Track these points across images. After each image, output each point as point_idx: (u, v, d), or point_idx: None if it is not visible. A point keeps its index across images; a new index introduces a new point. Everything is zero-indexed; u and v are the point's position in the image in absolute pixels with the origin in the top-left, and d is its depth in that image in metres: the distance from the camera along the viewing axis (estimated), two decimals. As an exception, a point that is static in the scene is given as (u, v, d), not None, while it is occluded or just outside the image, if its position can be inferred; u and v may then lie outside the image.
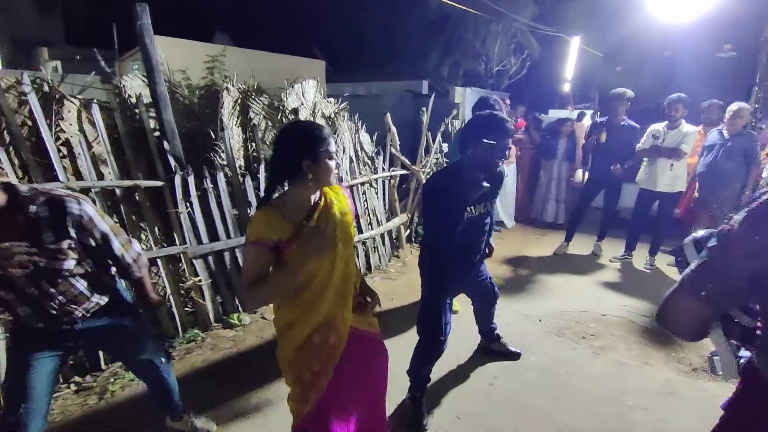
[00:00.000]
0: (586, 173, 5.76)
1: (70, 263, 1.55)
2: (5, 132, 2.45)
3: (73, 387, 2.50)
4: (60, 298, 1.57)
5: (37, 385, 1.58)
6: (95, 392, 2.47)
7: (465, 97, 7.10)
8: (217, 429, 2.20)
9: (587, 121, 6.24)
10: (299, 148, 1.43)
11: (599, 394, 2.54)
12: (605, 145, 4.62)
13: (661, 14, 7.01)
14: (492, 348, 2.91)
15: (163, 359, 1.97)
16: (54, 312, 1.58)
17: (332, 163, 1.48)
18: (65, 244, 1.52)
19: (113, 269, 1.78)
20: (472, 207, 2.17)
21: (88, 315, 1.67)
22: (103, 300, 1.70)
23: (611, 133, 4.55)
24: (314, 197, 1.53)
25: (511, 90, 12.21)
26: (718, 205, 4.35)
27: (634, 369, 2.81)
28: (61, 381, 2.50)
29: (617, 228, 5.16)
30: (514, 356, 2.89)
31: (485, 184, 2.09)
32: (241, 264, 3.37)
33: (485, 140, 2.02)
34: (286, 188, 1.54)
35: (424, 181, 5.07)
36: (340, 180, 3.88)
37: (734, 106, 4.17)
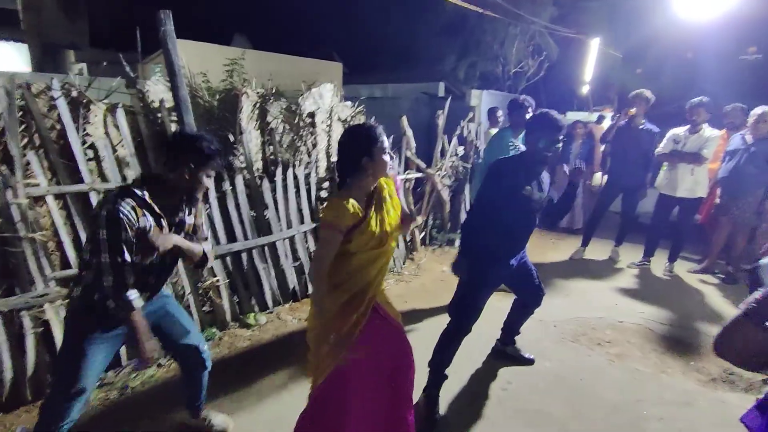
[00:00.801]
0: (605, 177, 5.69)
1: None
2: (35, 135, 2.54)
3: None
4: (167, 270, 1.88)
5: (90, 373, 1.69)
6: (116, 387, 2.54)
7: (482, 100, 7.08)
8: (233, 425, 2.25)
9: (608, 123, 6.16)
10: (358, 149, 1.68)
11: (614, 403, 2.51)
12: (624, 149, 4.55)
13: (684, 14, 6.88)
14: (506, 352, 2.91)
15: (205, 345, 2.06)
16: (148, 283, 1.80)
17: (386, 158, 1.71)
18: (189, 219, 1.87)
19: None
20: (533, 189, 2.29)
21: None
22: (167, 289, 1.95)
23: (629, 137, 4.48)
24: (373, 186, 1.77)
25: (528, 92, 12.08)
26: (739, 211, 4.25)
27: (650, 377, 2.77)
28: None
29: (636, 233, 5.09)
30: (528, 362, 2.88)
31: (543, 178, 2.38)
32: (257, 265, 3.43)
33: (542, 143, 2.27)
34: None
35: (439, 184, 5.09)
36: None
37: (758, 110, 4.08)
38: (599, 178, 6.40)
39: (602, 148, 6.26)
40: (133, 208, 1.62)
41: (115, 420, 2.29)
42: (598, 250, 5.16)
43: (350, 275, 1.73)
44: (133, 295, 1.64)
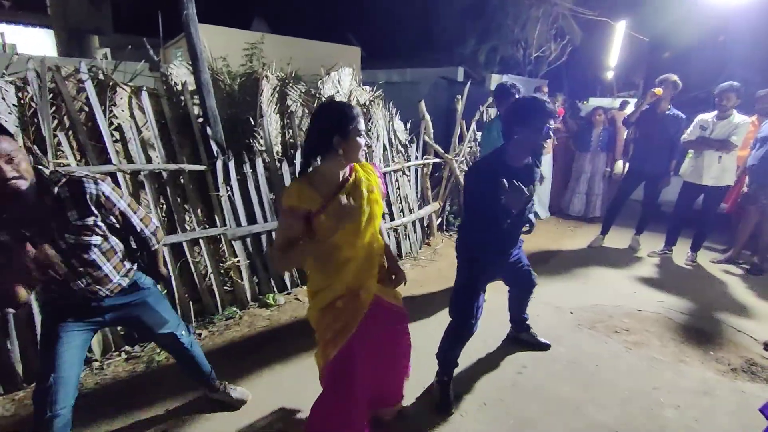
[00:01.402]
0: (627, 164, 5.57)
1: (97, 239, 1.66)
2: (65, 117, 2.63)
3: (123, 355, 2.70)
4: (86, 278, 1.67)
5: (66, 357, 1.65)
6: (143, 361, 2.66)
7: (502, 85, 6.96)
8: (251, 398, 2.33)
9: (630, 110, 6.01)
10: (330, 125, 1.55)
11: (629, 390, 2.51)
12: (647, 135, 4.44)
13: (717, -4, 6.60)
14: (521, 338, 2.92)
15: (183, 332, 2.05)
16: (80, 291, 1.67)
17: (361, 141, 1.58)
18: (90, 220, 1.62)
19: (133, 244, 1.88)
20: (519, 185, 2.09)
21: (112, 295, 1.77)
22: (125, 281, 1.80)
23: (654, 122, 4.37)
24: (344, 173, 1.65)
25: (550, 77, 11.85)
26: (768, 200, 4.12)
27: (667, 366, 2.75)
28: (113, 349, 2.71)
29: (657, 222, 4.99)
30: (543, 347, 2.88)
31: (535, 167, 2.20)
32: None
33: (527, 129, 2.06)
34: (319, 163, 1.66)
35: (457, 170, 5.06)
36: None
37: (793, 96, 3.92)
38: (621, 166, 6.28)
39: (624, 134, 6.12)
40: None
41: (142, 391, 2.40)
42: (617, 239, 5.08)
43: (327, 277, 1.71)
44: None
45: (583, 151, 6.04)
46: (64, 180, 1.59)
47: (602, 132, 5.90)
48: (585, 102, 8.04)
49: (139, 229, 1.81)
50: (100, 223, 1.67)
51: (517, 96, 3.09)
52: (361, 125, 1.59)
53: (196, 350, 2.15)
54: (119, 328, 2.73)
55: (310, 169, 1.67)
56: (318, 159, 1.64)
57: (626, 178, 4.82)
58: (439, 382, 2.41)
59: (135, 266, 1.88)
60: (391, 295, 1.89)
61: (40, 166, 1.62)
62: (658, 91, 4.22)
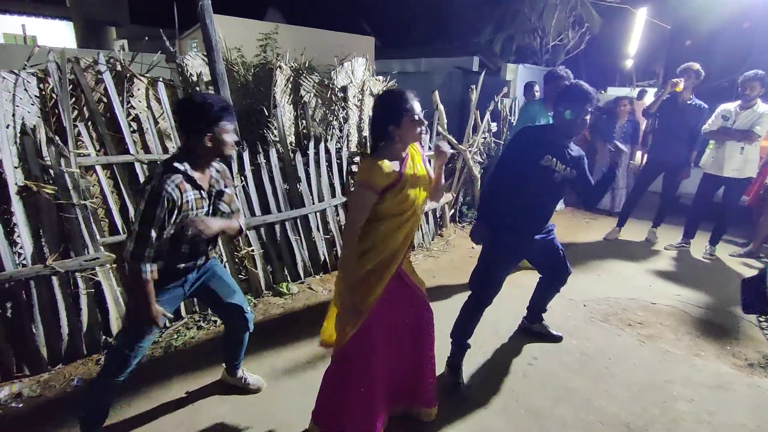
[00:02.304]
0: (645, 156, 5.45)
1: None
2: (84, 108, 2.68)
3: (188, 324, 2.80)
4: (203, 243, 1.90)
5: (152, 330, 1.87)
6: (161, 346, 2.73)
7: (517, 74, 6.87)
8: (266, 385, 2.38)
9: (650, 100, 5.86)
10: (384, 115, 1.73)
11: (642, 382, 2.49)
12: (667, 125, 4.34)
13: (743, -19, 6.35)
14: (533, 329, 2.92)
15: (248, 306, 2.19)
16: (200, 250, 1.90)
17: (414, 124, 1.72)
18: (228, 189, 1.95)
19: None
20: (556, 160, 2.24)
21: (200, 266, 1.97)
22: (211, 252, 2.02)
23: (675, 112, 4.27)
24: (403, 153, 1.79)
25: (567, 66, 11.57)
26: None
27: (682, 360, 2.72)
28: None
29: (675, 215, 4.90)
30: (555, 339, 2.88)
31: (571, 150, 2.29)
32: (290, 237, 3.53)
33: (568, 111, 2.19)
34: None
35: (471, 161, 5.03)
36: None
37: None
38: (639, 158, 6.15)
39: (644, 122, 5.98)
40: (177, 185, 1.67)
41: (159, 375, 2.47)
42: (634, 231, 5.01)
43: (376, 243, 1.78)
44: (147, 268, 1.68)
45: (607, 141, 5.90)
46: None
47: (626, 123, 5.74)
48: (602, 92, 7.85)
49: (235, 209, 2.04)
50: (230, 193, 1.96)
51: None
52: (415, 108, 1.72)
53: (247, 333, 2.24)
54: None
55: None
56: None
57: (645, 169, 4.73)
58: (450, 365, 2.45)
59: None
60: (418, 279, 1.99)
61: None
62: (679, 87, 4.13)
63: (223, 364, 2.35)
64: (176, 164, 1.72)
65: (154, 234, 1.65)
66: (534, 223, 2.39)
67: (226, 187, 1.95)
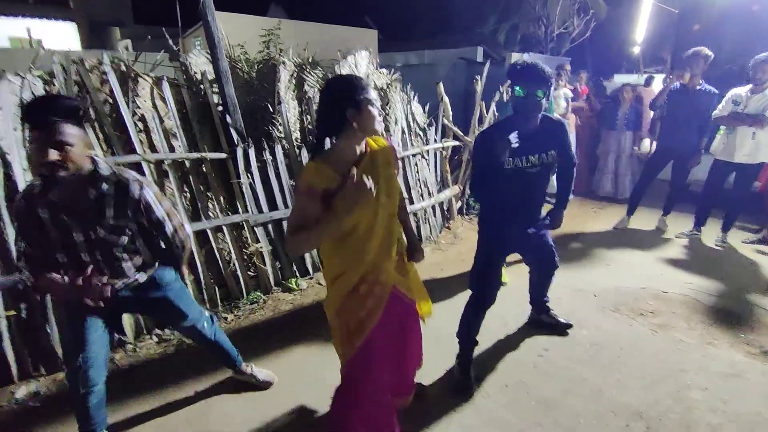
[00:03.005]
0: (654, 143, 5.39)
1: (124, 239, 1.71)
2: (91, 109, 2.70)
3: (155, 338, 2.81)
4: (106, 270, 1.69)
5: (92, 338, 1.72)
6: (173, 344, 2.76)
7: (522, 64, 6.78)
8: (277, 379, 2.40)
9: (657, 86, 5.78)
10: (341, 99, 1.49)
11: (655, 372, 2.47)
12: (677, 112, 4.28)
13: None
14: (542, 320, 2.90)
15: (205, 324, 2.10)
16: (96, 287, 1.64)
17: (374, 110, 1.52)
18: (123, 222, 1.67)
19: (162, 244, 1.89)
20: (516, 158, 2.16)
21: (127, 289, 1.79)
22: (143, 278, 1.82)
23: (684, 99, 4.20)
24: (360, 148, 1.59)
25: (573, 54, 11.45)
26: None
27: (695, 348, 2.69)
28: (145, 332, 2.82)
29: (685, 202, 4.83)
30: (564, 328, 2.85)
31: (512, 138, 2.11)
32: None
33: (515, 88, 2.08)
34: (334, 141, 1.60)
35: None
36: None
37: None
38: (647, 145, 6.08)
39: (652, 114, 5.91)
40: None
41: (172, 372, 2.50)
42: (643, 220, 4.95)
43: (346, 260, 1.65)
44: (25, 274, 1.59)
45: (610, 129, 5.87)
46: (114, 179, 1.63)
47: (629, 110, 5.71)
48: (606, 80, 7.75)
49: (170, 237, 1.82)
50: (131, 225, 1.71)
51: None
52: (372, 94, 1.52)
53: (221, 337, 2.20)
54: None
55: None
56: (332, 138, 1.60)
57: (654, 156, 4.67)
58: (459, 363, 2.43)
59: (156, 264, 1.88)
60: (405, 286, 1.82)
61: (99, 159, 1.63)
62: (685, 79, 4.08)
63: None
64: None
65: (16, 246, 1.63)
66: (519, 214, 2.35)
67: (148, 217, 1.76)
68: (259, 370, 2.39)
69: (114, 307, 1.81)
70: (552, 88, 2.13)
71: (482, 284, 2.40)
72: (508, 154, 2.13)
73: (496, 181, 2.20)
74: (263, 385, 2.35)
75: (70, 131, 1.48)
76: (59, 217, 1.57)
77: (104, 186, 1.61)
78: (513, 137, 2.09)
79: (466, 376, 2.38)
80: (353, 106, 1.49)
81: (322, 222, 1.51)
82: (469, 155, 5.09)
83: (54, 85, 2.57)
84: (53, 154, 1.43)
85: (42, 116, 1.43)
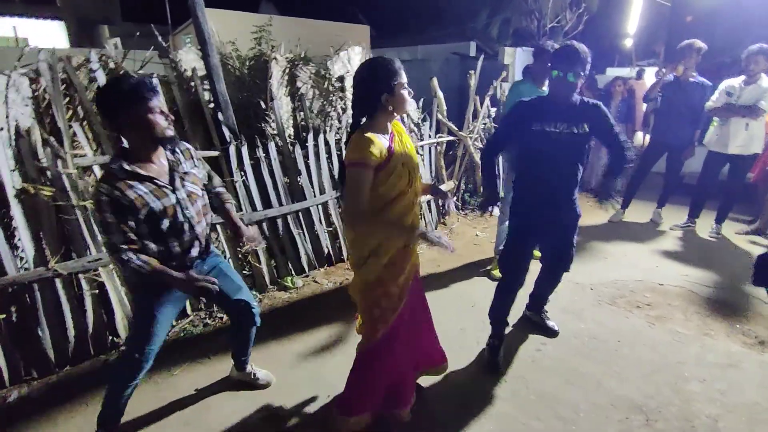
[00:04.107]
0: (647, 136, 5.40)
1: (201, 190, 1.86)
2: (79, 107, 2.65)
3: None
4: (193, 231, 1.82)
5: (160, 334, 1.84)
6: (167, 344, 2.71)
7: (515, 58, 6.77)
8: (275, 380, 2.37)
9: (649, 79, 5.78)
10: (377, 84, 1.60)
11: (653, 364, 2.48)
12: (670, 104, 4.28)
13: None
14: (531, 319, 2.87)
15: (254, 301, 2.16)
16: (188, 246, 1.82)
17: (406, 93, 1.64)
18: (195, 169, 1.84)
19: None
20: (543, 122, 2.21)
21: (200, 257, 1.91)
22: (205, 242, 1.93)
23: (678, 91, 4.20)
24: (390, 125, 1.71)
25: (565, 48, 11.44)
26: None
27: (692, 340, 2.70)
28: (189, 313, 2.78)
29: (679, 195, 4.85)
30: (552, 334, 2.77)
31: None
32: (292, 231, 3.51)
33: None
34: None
35: (471, 147, 4.98)
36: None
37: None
38: (640, 138, 6.09)
39: (644, 105, 5.91)
40: (114, 186, 1.57)
41: (168, 373, 2.46)
42: (638, 213, 4.97)
43: (385, 231, 1.74)
44: (131, 255, 1.60)
45: None
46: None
47: (620, 103, 5.72)
48: (599, 73, 7.75)
49: (220, 190, 2.00)
50: (198, 174, 1.85)
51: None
52: (403, 78, 1.63)
53: (254, 328, 2.22)
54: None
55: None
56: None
57: (648, 149, 4.68)
58: (489, 345, 2.52)
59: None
60: (417, 264, 1.95)
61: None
62: (678, 71, 4.10)
63: (231, 361, 2.34)
64: (111, 166, 1.63)
65: (118, 237, 1.59)
66: (545, 195, 2.33)
67: (195, 167, 1.86)
68: (258, 369, 2.37)
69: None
70: (587, 69, 2.19)
71: (509, 266, 2.48)
72: (535, 118, 2.22)
73: (525, 146, 2.30)
74: (261, 385, 2.33)
75: (161, 101, 1.67)
76: (151, 180, 1.67)
77: (180, 147, 1.82)
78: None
79: (495, 357, 2.47)
80: (388, 91, 1.60)
81: (398, 229, 1.72)
82: (464, 150, 5.08)
83: (40, 84, 2.51)
84: (165, 122, 1.64)
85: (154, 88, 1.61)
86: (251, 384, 2.32)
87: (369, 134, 1.60)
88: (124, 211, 1.59)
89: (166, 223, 1.71)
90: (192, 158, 1.87)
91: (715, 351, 2.59)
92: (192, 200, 1.79)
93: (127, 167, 1.61)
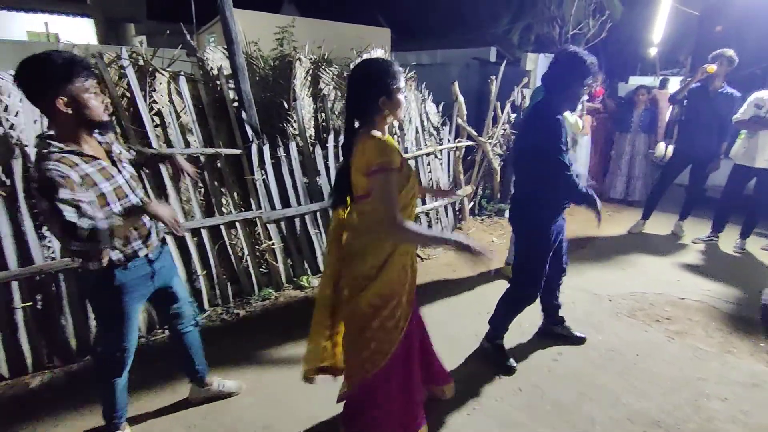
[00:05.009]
0: (670, 147, 5.30)
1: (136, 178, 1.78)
2: (109, 103, 2.70)
3: (167, 332, 2.81)
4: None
5: (131, 331, 1.79)
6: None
7: (537, 64, 6.72)
8: (245, 386, 2.31)
9: (673, 88, 5.69)
10: (375, 87, 1.50)
11: (672, 380, 2.42)
12: (697, 115, 4.19)
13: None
14: (555, 331, 2.81)
15: (197, 317, 2.11)
16: (147, 233, 1.73)
17: (402, 98, 1.55)
18: (130, 154, 1.81)
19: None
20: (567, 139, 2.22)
21: (154, 249, 1.78)
22: (161, 232, 1.84)
23: (705, 101, 4.11)
24: (387, 131, 1.61)
25: (587, 56, 11.30)
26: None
27: (713, 357, 2.64)
28: (158, 327, 2.82)
29: (702, 207, 4.74)
30: (579, 341, 2.75)
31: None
32: (310, 230, 3.53)
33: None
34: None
35: (490, 153, 4.95)
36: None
37: None
38: (662, 149, 5.99)
39: (667, 114, 5.81)
40: (58, 161, 1.44)
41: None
42: (659, 224, 4.87)
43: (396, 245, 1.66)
44: (82, 222, 1.39)
45: (624, 131, 5.79)
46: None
47: (644, 112, 5.63)
48: (622, 82, 7.66)
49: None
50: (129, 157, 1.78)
51: None
52: (402, 82, 1.54)
53: (198, 341, 2.12)
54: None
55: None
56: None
57: (672, 160, 4.59)
58: (493, 345, 2.51)
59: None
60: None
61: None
62: (711, 68, 3.95)
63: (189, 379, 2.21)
64: (45, 150, 1.47)
65: (73, 213, 1.40)
66: (556, 201, 2.34)
67: (123, 150, 1.78)
68: (220, 380, 2.24)
69: (149, 285, 1.80)
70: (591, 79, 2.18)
71: (528, 283, 2.41)
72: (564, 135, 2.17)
73: (534, 162, 2.26)
74: (230, 396, 2.24)
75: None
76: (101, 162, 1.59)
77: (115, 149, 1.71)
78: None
79: (503, 357, 2.49)
80: (386, 93, 1.50)
81: (439, 236, 1.73)
82: (483, 156, 5.05)
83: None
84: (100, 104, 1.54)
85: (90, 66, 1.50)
86: (218, 398, 2.22)
87: (387, 137, 1.55)
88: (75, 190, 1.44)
89: (118, 207, 1.58)
90: (117, 141, 1.76)
91: (737, 369, 2.52)
92: (135, 182, 1.72)
93: (66, 147, 1.48)
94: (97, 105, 1.52)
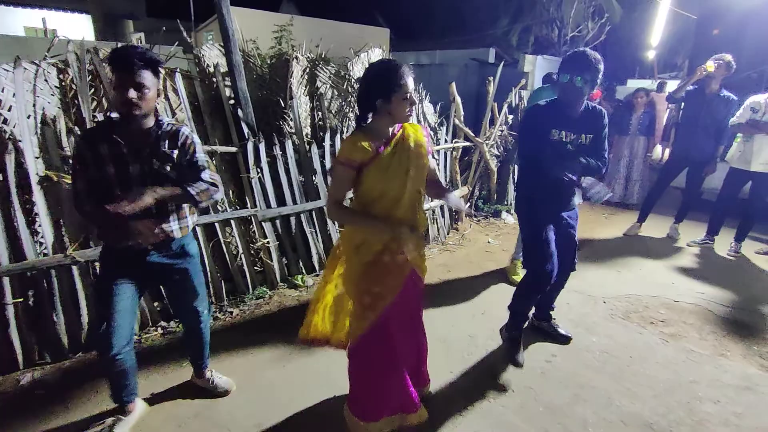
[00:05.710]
0: (667, 150, 5.32)
1: (173, 172, 1.81)
2: (104, 99, 2.69)
3: (159, 330, 2.81)
4: (153, 209, 1.77)
5: (120, 307, 1.81)
6: (177, 336, 2.75)
7: (536, 66, 6.73)
8: (235, 387, 2.30)
9: (671, 89, 5.69)
10: (373, 89, 1.63)
11: (666, 382, 2.42)
12: (694, 118, 4.20)
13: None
14: (542, 327, 2.83)
15: (206, 311, 2.13)
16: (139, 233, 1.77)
17: (406, 102, 1.63)
18: (174, 153, 1.82)
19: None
20: (559, 131, 2.29)
21: (158, 253, 1.87)
22: (178, 233, 1.88)
23: (702, 104, 4.13)
24: (392, 129, 1.72)
25: (586, 58, 11.32)
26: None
27: (707, 360, 2.64)
28: (150, 324, 2.81)
29: (698, 211, 4.76)
30: (564, 340, 2.76)
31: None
32: (305, 229, 3.52)
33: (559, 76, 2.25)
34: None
35: (487, 154, 4.95)
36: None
37: None
38: (659, 152, 6.01)
39: (665, 117, 5.82)
40: (82, 137, 1.75)
41: (175, 363, 2.48)
42: (655, 227, 4.88)
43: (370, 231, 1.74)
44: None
45: (622, 134, 5.80)
46: (172, 125, 1.84)
47: (642, 115, 5.64)
48: (620, 84, 7.67)
49: (206, 179, 1.86)
50: (175, 159, 1.82)
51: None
52: (409, 85, 1.61)
53: (206, 333, 2.18)
54: (156, 304, 2.83)
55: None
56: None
57: (668, 163, 4.61)
58: (510, 338, 2.53)
59: (191, 224, 1.96)
60: (421, 269, 1.91)
61: (162, 117, 1.83)
62: (710, 66, 3.95)
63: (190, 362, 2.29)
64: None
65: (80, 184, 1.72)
66: (555, 194, 2.43)
67: (187, 155, 1.84)
68: (218, 376, 2.29)
69: (143, 273, 1.89)
70: (599, 76, 2.22)
71: (535, 260, 2.42)
72: (552, 125, 2.29)
73: (540, 152, 2.31)
74: (220, 393, 2.25)
75: (149, 77, 1.67)
76: (119, 151, 1.71)
77: (166, 127, 1.81)
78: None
79: (516, 351, 2.48)
80: (382, 96, 1.61)
81: (364, 218, 1.74)
82: (480, 156, 5.05)
83: (68, 74, 2.57)
84: (132, 93, 1.63)
85: (127, 61, 1.62)
86: (208, 390, 2.26)
87: (357, 135, 1.66)
88: (87, 162, 1.71)
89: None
90: (179, 146, 1.82)
91: (730, 372, 2.53)
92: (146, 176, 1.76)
93: (113, 117, 1.74)
94: (125, 96, 1.66)
